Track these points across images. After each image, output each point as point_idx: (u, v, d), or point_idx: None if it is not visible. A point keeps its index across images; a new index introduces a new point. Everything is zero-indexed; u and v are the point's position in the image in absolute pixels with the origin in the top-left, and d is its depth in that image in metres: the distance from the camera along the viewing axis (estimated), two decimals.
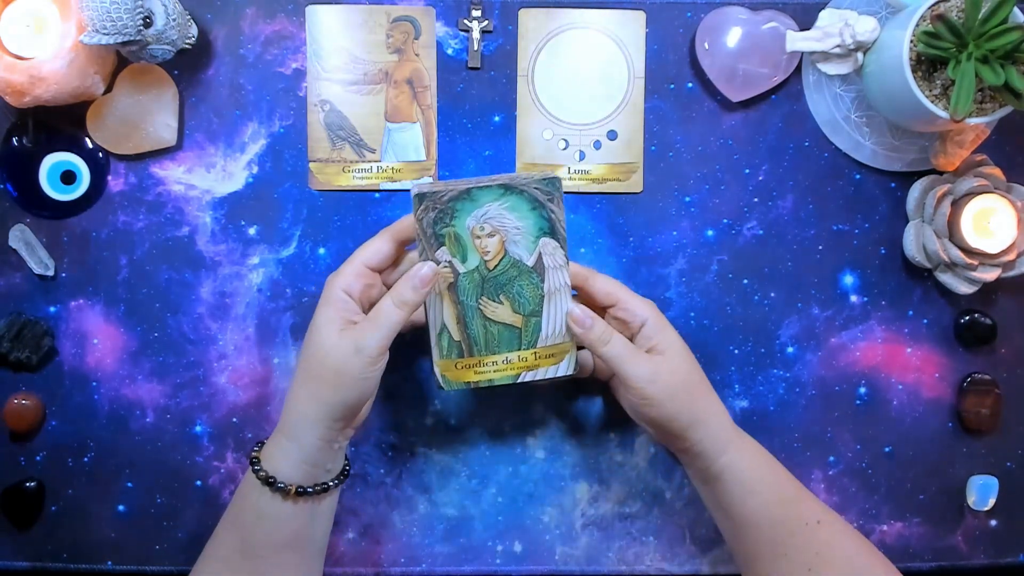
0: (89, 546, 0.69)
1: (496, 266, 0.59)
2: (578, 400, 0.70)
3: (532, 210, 0.58)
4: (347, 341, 0.55)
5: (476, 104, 0.69)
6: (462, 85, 0.69)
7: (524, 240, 0.59)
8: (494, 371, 0.61)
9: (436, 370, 0.60)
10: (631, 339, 0.60)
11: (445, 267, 0.59)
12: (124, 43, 0.60)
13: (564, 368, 0.61)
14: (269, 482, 0.56)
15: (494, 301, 0.60)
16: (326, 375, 0.56)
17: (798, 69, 0.69)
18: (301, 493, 0.57)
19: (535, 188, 0.58)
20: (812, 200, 0.70)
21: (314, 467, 0.57)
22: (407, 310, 0.56)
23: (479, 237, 0.58)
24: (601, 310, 0.62)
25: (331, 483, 0.58)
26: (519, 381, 0.61)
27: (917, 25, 0.60)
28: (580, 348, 0.62)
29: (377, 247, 0.59)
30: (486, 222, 0.58)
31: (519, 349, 0.61)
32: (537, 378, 0.61)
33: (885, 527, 0.71)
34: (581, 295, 0.62)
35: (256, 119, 0.68)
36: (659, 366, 0.59)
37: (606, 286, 0.61)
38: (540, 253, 0.59)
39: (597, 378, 0.66)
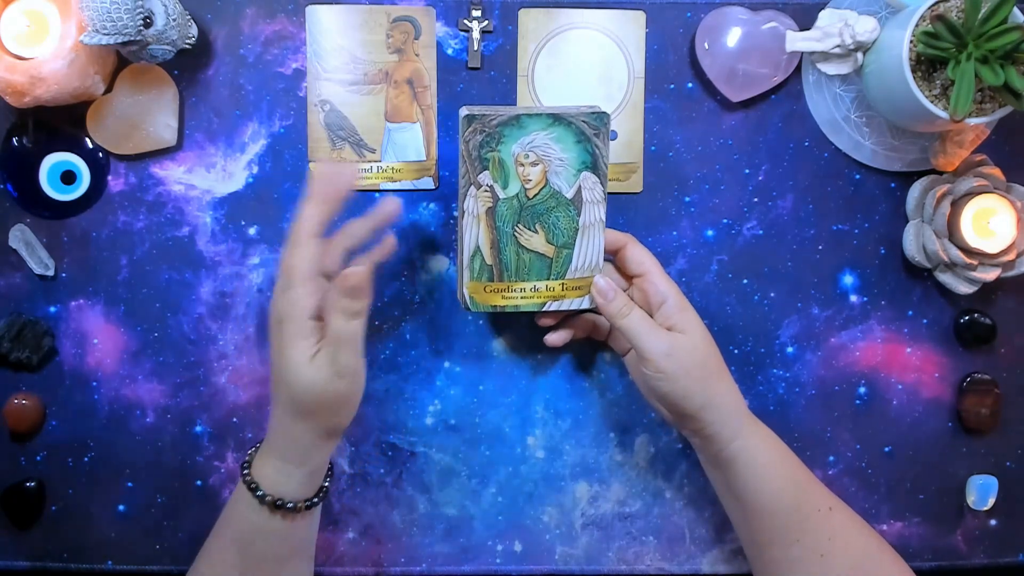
0: (89, 546, 0.69)
1: (536, 195, 0.60)
2: (578, 400, 0.70)
3: (577, 143, 0.59)
4: (321, 367, 0.54)
5: (476, 104, 0.69)
6: (462, 85, 0.69)
7: (566, 172, 0.60)
8: (521, 297, 0.62)
9: (464, 291, 0.62)
10: (652, 315, 0.61)
11: (486, 191, 0.60)
12: (124, 43, 0.60)
13: (589, 301, 0.63)
14: (277, 505, 0.56)
15: (529, 229, 0.61)
16: (317, 406, 0.55)
17: (798, 69, 0.69)
18: (310, 507, 0.57)
19: (583, 121, 0.59)
20: (812, 200, 0.70)
21: (316, 478, 0.58)
22: (362, 318, 0.54)
23: (523, 165, 0.59)
24: (630, 278, 0.63)
25: (326, 484, 0.59)
26: (544, 310, 0.63)
27: (917, 25, 0.60)
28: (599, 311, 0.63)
29: (307, 256, 0.54)
30: (531, 150, 0.59)
31: (548, 279, 0.62)
32: (562, 308, 0.63)
33: (885, 527, 0.71)
34: (615, 259, 0.64)
35: (256, 119, 0.68)
36: (677, 342, 0.59)
37: (640, 256, 0.62)
38: (580, 186, 0.60)
39: (616, 352, 0.68)
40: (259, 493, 0.56)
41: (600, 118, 0.59)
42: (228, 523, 0.59)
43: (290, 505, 0.56)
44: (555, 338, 0.66)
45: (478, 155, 0.59)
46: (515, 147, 0.59)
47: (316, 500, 0.58)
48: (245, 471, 0.57)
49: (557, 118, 0.59)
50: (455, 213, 0.69)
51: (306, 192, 0.56)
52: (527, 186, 0.60)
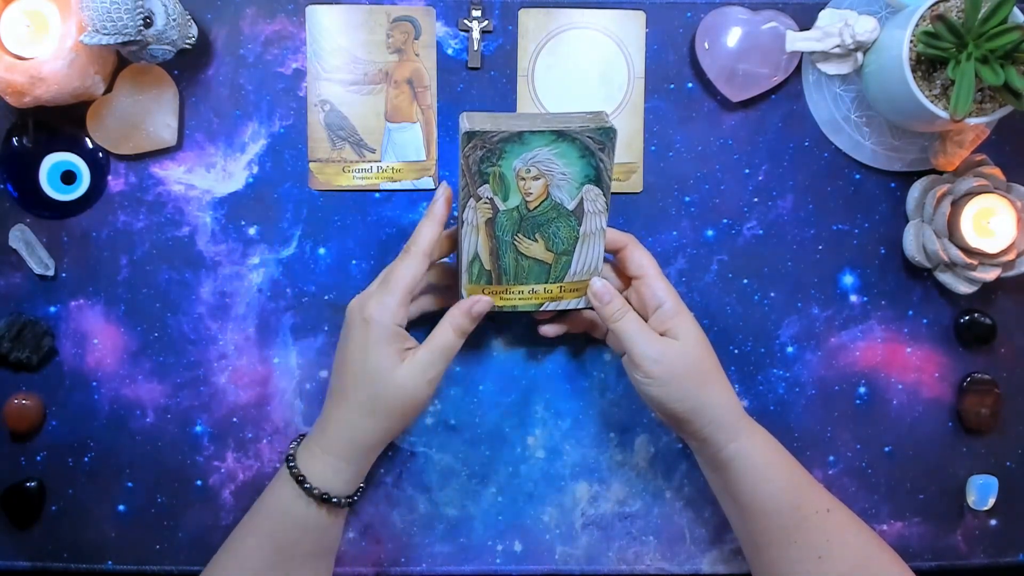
0: (89, 546, 0.69)
1: (537, 207, 0.60)
2: (578, 400, 0.70)
3: (581, 158, 0.58)
4: (415, 373, 0.57)
5: (476, 104, 0.69)
6: (462, 85, 0.69)
7: (568, 186, 0.59)
8: (519, 299, 0.63)
9: (463, 292, 0.62)
10: (647, 318, 0.61)
11: (485, 203, 0.59)
12: (124, 43, 0.60)
13: (585, 301, 0.63)
14: (323, 499, 0.57)
15: (529, 238, 0.60)
16: (398, 409, 0.58)
17: (798, 69, 0.69)
18: (350, 503, 0.59)
19: (588, 137, 0.57)
20: (812, 200, 0.70)
21: (359, 477, 0.60)
22: (464, 336, 0.59)
23: (524, 179, 0.58)
24: (628, 279, 0.64)
25: (362, 484, 0.60)
26: (541, 309, 0.64)
27: (917, 25, 0.60)
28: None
29: (415, 272, 0.58)
30: (533, 165, 0.58)
31: (546, 282, 0.62)
32: (559, 307, 0.64)
33: (885, 527, 0.71)
34: (615, 258, 0.64)
35: (256, 119, 0.68)
36: (668, 348, 0.60)
37: (640, 259, 0.62)
38: (583, 199, 0.60)
39: (615, 352, 0.68)
40: (307, 486, 0.57)
41: (606, 133, 0.57)
42: (266, 516, 0.59)
43: (335, 500, 0.57)
44: (549, 329, 0.66)
45: (478, 170, 0.58)
46: (516, 162, 0.58)
47: (356, 497, 0.59)
48: (292, 464, 0.58)
49: (561, 134, 0.57)
50: (455, 213, 0.69)
51: (428, 211, 0.60)
52: (528, 199, 0.59)
